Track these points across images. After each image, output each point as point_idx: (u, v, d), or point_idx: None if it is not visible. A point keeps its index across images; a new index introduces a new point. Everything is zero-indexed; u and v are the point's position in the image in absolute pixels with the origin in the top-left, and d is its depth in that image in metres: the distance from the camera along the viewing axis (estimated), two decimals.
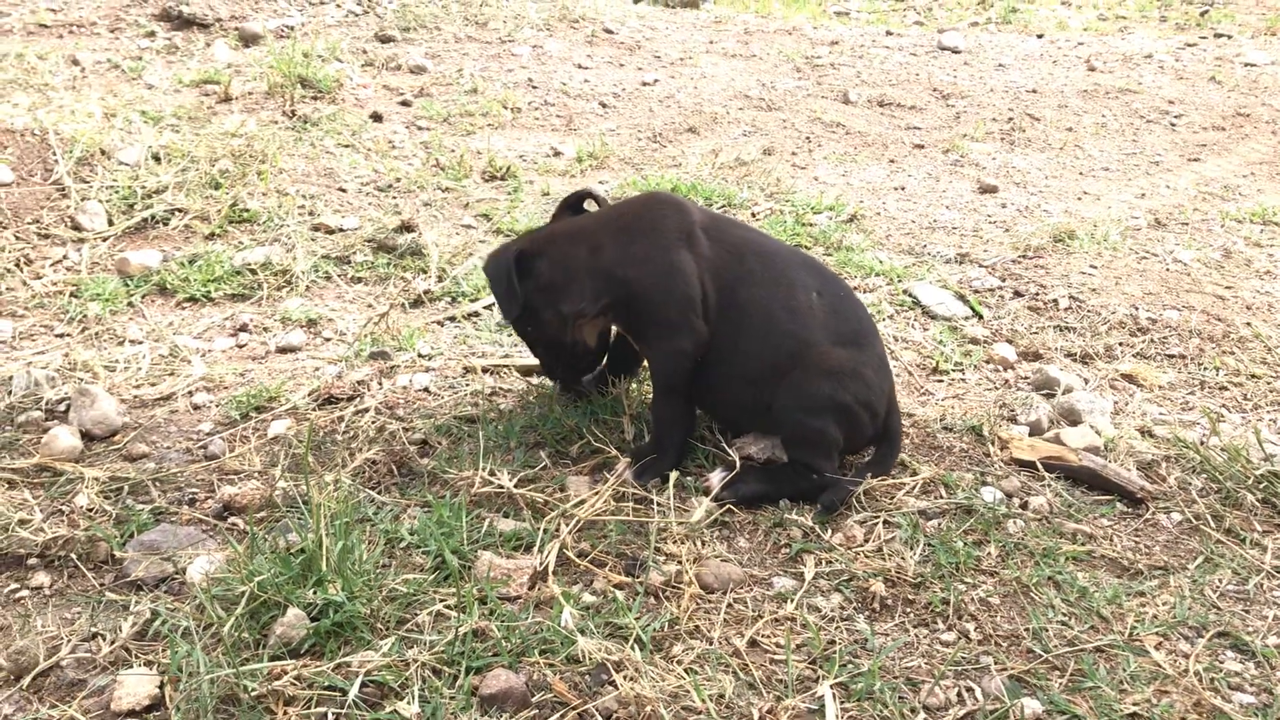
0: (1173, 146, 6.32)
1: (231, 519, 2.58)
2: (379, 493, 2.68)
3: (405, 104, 6.09)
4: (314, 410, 3.06)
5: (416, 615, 2.22)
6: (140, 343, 3.44)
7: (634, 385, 3.13)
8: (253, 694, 1.98)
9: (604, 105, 6.38)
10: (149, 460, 2.83)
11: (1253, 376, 3.50)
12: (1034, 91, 7.21)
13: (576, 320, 2.85)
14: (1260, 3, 11.74)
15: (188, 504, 2.65)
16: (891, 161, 5.75)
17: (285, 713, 1.97)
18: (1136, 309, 3.89)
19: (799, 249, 2.98)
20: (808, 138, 6.05)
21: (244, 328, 3.58)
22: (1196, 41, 9.00)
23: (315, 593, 2.20)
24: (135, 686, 2.02)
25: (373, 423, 2.98)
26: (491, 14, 7.73)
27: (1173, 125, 6.69)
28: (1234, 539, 2.66)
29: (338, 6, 7.71)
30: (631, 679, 2.06)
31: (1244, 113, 6.92)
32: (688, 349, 2.75)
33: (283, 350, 3.46)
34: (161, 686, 2.03)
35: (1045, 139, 6.30)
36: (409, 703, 1.99)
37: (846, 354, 2.74)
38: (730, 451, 2.78)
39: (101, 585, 2.34)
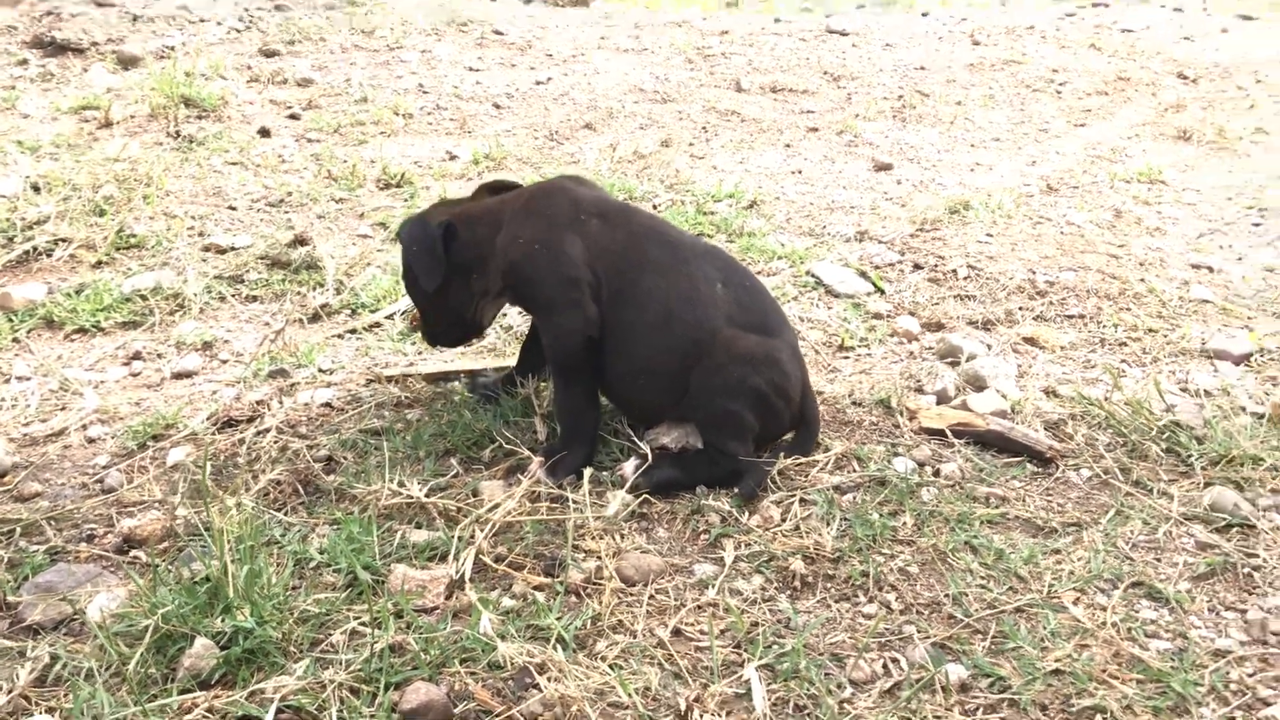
0: (1059, 113, 6.45)
1: (133, 552, 2.48)
2: (285, 513, 2.60)
3: (294, 117, 5.97)
4: (213, 434, 2.97)
5: (330, 635, 2.16)
6: (28, 379, 3.30)
7: (544, 385, 3.09)
8: None
9: (498, 106, 6.32)
10: (42, 499, 2.71)
11: (1149, 331, 3.58)
12: (922, 68, 7.31)
13: (480, 298, 2.85)
14: None
15: (86, 540, 2.55)
16: (787, 146, 5.79)
17: None
18: (1034, 273, 3.96)
19: (703, 239, 2.98)
20: (704, 127, 6.06)
21: (137, 355, 3.46)
22: (1075, 11, 9.22)
23: (223, 620, 2.12)
24: None
25: (275, 442, 2.90)
26: (378, 22, 7.61)
27: (1058, 93, 6.83)
28: (1142, 490, 2.71)
29: (218, 24, 7.53)
30: (555, 680, 2.03)
31: (1124, 77, 7.10)
32: (574, 327, 2.74)
33: (179, 376, 3.36)
34: None
35: (936, 114, 6.39)
36: None
37: (758, 340, 2.74)
38: (642, 444, 2.75)
39: None
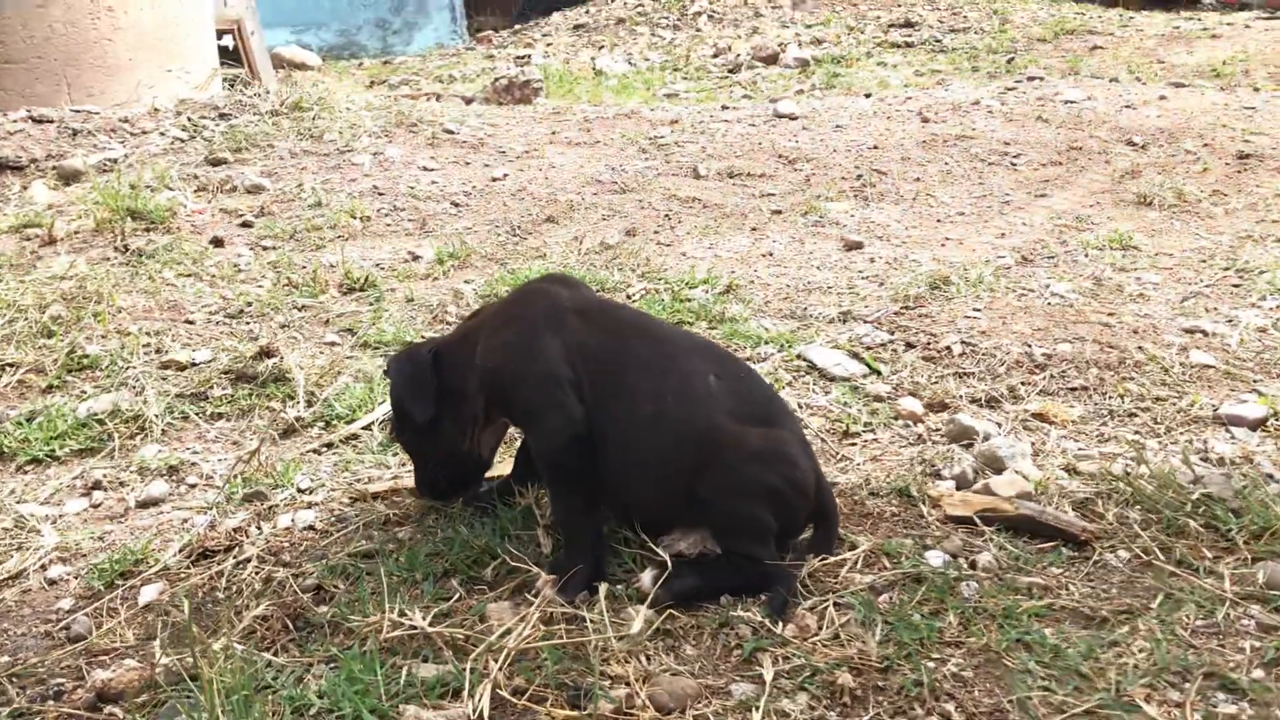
0: (1018, 185, 6.45)
1: (108, 709, 2.23)
2: (275, 653, 2.37)
3: (246, 225, 5.78)
4: (188, 568, 2.74)
5: None
6: None
7: (544, 493, 2.89)
8: None
9: (456, 205, 6.19)
10: (1, 653, 2.46)
11: (1157, 400, 3.47)
12: (875, 148, 7.32)
13: (475, 427, 2.69)
14: (1057, 48, 12.40)
15: (54, 698, 2.29)
16: (754, 230, 5.70)
17: None
18: (1030, 346, 3.86)
19: (689, 332, 2.84)
20: (666, 215, 5.97)
21: (97, 485, 3.22)
22: (1015, 86, 9.34)
23: None
24: None
25: (257, 573, 2.67)
26: (325, 126, 7.48)
27: (1013, 165, 6.85)
28: (1188, 570, 2.56)
29: (161, 134, 7.36)
30: None
31: (1076, 146, 7.15)
32: (559, 428, 2.58)
33: (144, 505, 3.12)
34: None
35: (897, 191, 6.37)
36: None
37: (765, 433, 2.58)
38: (659, 550, 2.56)
39: None
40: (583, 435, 2.58)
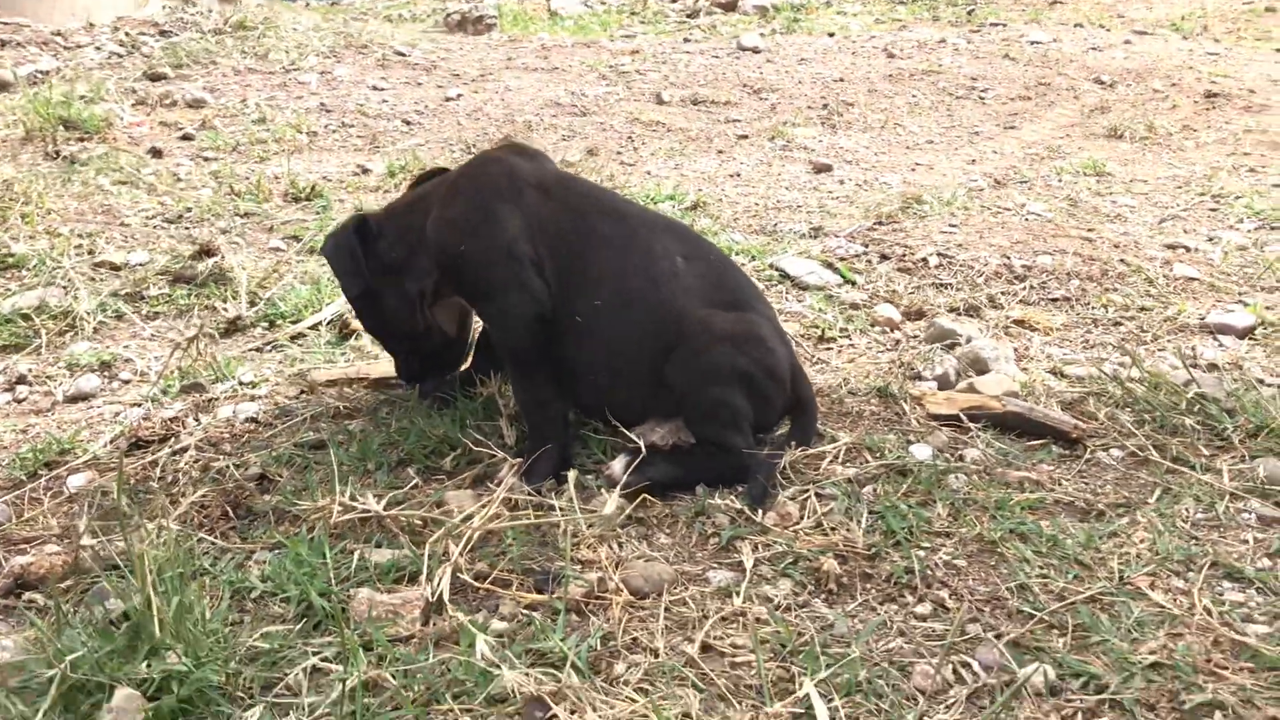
0: (987, 118, 6.33)
1: (27, 595, 2.03)
2: (215, 539, 2.18)
3: (187, 138, 5.50)
4: (119, 458, 2.53)
5: (286, 675, 1.74)
6: None
7: (507, 384, 2.71)
8: None
9: (408, 123, 5.94)
10: None
11: (1142, 309, 3.36)
12: (841, 80, 7.16)
13: (423, 301, 2.48)
14: (1017, 1, 12.26)
15: None
16: (720, 152, 5.52)
17: None
18: (1009, 258, 3.73)
19: (656, 211, 2.62)
20: (629, 137, 5.77)
21: (21, 380, 2.99)
22: (979, 29, 9.21)
23: (149, 665, 1.70)
24: None
25: (195, 462, 2.47)
26: (271, 44, 7.18)
27: (982, 99, 6.72)
28: (1185, 466, 2.44)
29: (97, 49, 7.02)
30: (574, 711, 1.65)
31: (1045, 83, 7.04)
32: (521, 309, 2.38)
33: (73, 399, 2.89)
34: None
35: (864, 121, 6.21)
36: None
37: (735, 316, 2.42)
38: (632, 437, 2.39)
39: None
40: (546, 316, 2.40)
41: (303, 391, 2.81)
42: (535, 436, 2.42)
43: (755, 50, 8.01)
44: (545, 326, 2.41)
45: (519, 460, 2.36)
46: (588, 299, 2.41)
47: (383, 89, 6.55)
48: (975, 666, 1.82)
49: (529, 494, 2.28)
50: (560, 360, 2.46)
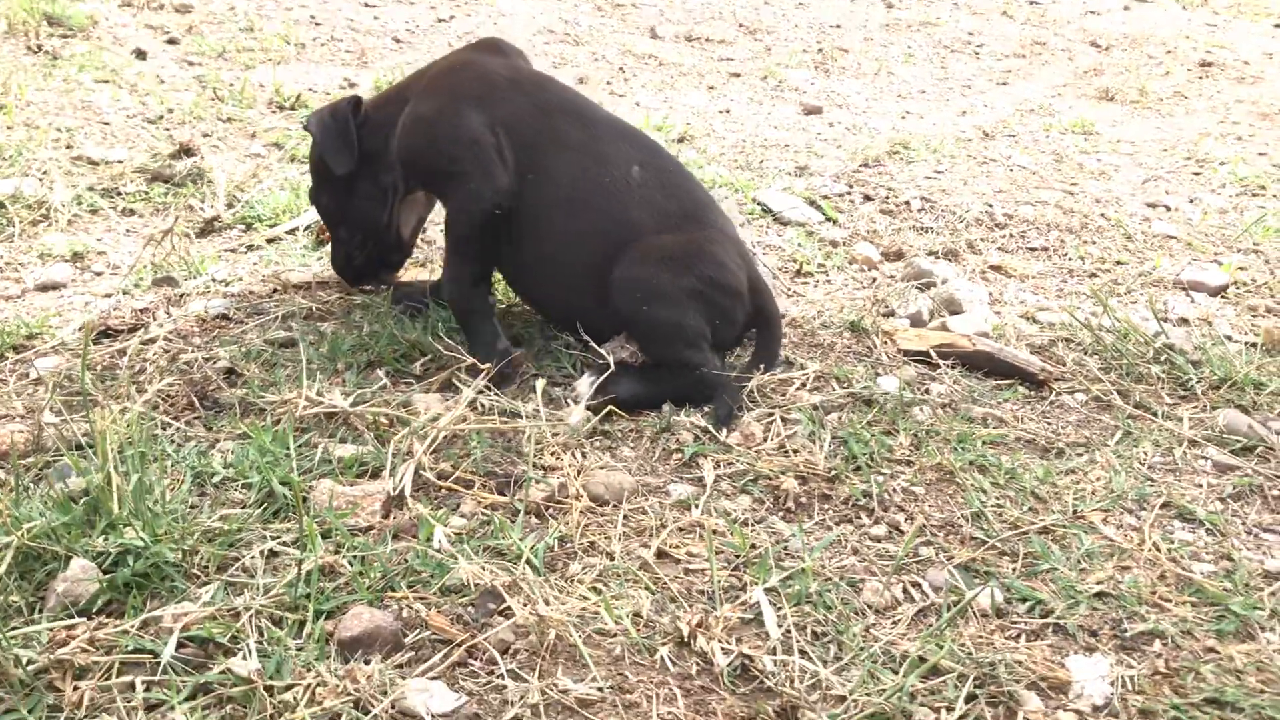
0: (980, 73, 6.29)
1: None
2: (180, 426, 2.18)
3: (172, 41, 5.40)
4: (88, 344, 2.51)
5: (243, 557, 1.76)
6: None
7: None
8: (30, 667, 1.49)
9: (398, 40, 5.86)
10: None
11: (1118, 263, 3.37)
12: (838, 26, 7.10)
13: (395, 194, 2.50)
14: None
15: None
16: (711, 88, 5.48)
17: (75, 687, 1.48)
18: (990, 206, 3.73)
19: (621, 118, 2.60)
20: (620, 68, 5.72)
21: None
22: None
23: (106, 539, 1.71)
24: None
25: (164, 352, 2.46)
26: None
27: (976, 54, 6.68)
28: (1147, 413, 2.47)
29: None
30: (527, 603, 1.67)
31: (1040, 42, 7.00)
32: (482, 194, 2.40)
33: (43, 288, 2.87)
34: None
35: (858, 67, 6.17)
36: (244, 657, 1.53)
37: (682, 236, 2.40)
38: (602, 352, 2.39)
39: None
40: (504, 206, 2.41)
41: (275, 290, 2.80)
42: (467, 328, 2.49)
43: None
44: (497, 219, 2.42)
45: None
46: (544, 198, 2.42)
47: (375, 6, 6.45)
48: (925, 586, 1.85)
49: (498, 401, 2.29)
50: (515, 255, 2.47)
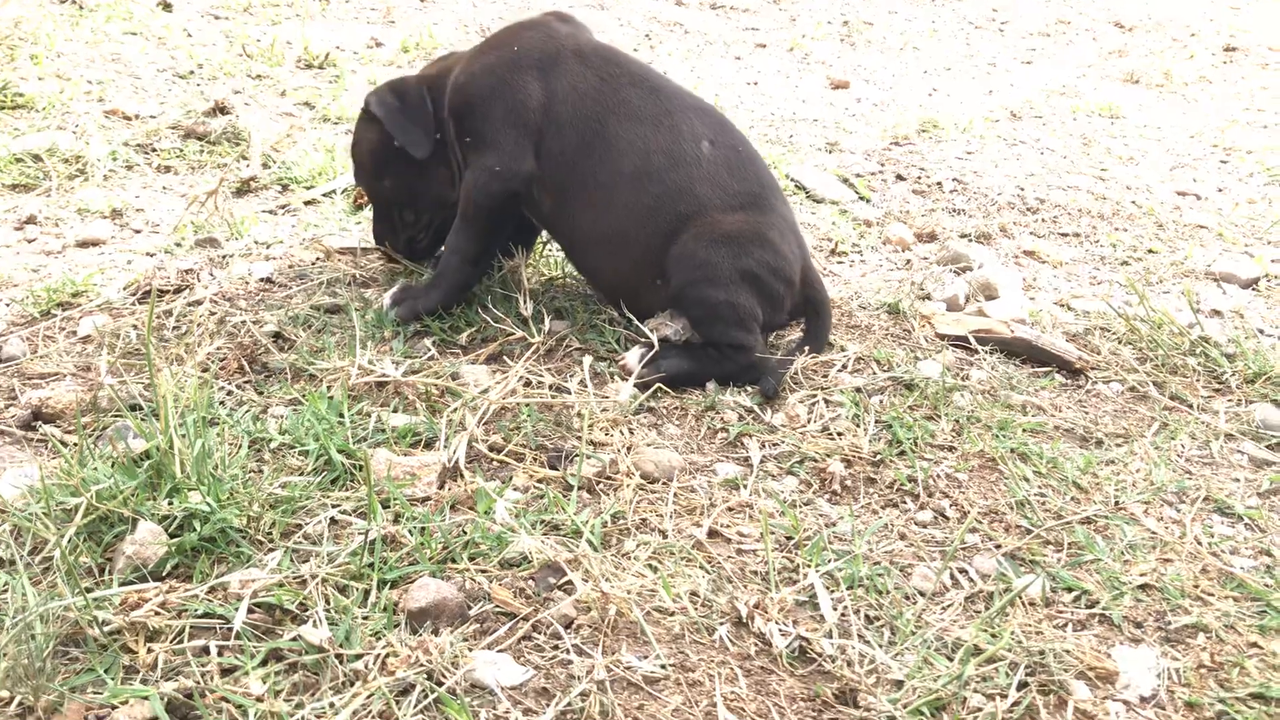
0: (1005, 50, 6.28)
1: (44, 427, 2.05)
2: (231, 391, 2.20)
3: None
4: (133, 305, 2.53)
5: (305, 524, 1.78)
6: None
7: (531, 263, 2.72)
8: (105, 629, 1.52)
9: (424, 0, 5.83)
10: None
11: (1150, 251, 3.39)
12: None
13: (459, 169, 2.51)
14: None
15: None
16: (738, 59, 5.47)
17: (149, 649, 1.51)
18: (1022, 190, 3.74)
19: (695, 94, 2.60)
20: (647, 35, 5.70)
21: (31, 220, 2.97)
22: None
23: (171, 503, 1.73)
24: None
25: (210, 314, 2.48)
26: None
27: (1001, 31, 6.67)
28: (1183, 405, 2.50)
29: None
30: (588, 578, 1.70)
31: (1064, 21, 6.98)
32: (504, 174, 2.42)
33: (84, 244, 2.88)
34: None
35: (883, 41, 6.16)
36: (314, 625, 1.56)
37: (744, 217, 2.40)
38: (646, 330, 2.41)
39: None
40: (516, 192, 2.44)
41: (318, 257, 2.81)
42: (440, 276, 2.52)
43: None
44: (512, 200, 2.46)
45: (401, 292, 2.49)
46: (610, 168, 2.41)
47: None
48: (972, 573, 1.88)
49: (397, 320, 2.46)
50: (574, 225, 2.48)
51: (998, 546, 1.93)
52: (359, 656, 1.52)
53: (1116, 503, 2.09)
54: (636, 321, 2.45)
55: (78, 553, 1.65)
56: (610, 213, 2.42)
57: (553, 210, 2.48)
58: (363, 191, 2.68)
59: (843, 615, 1.72)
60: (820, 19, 6.47)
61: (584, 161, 2.40)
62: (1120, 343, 2.76)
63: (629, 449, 2.10)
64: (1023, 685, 1.61)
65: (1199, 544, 1.98)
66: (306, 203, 3.21)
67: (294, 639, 1.54)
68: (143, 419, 1.99)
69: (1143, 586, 1.86)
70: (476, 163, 2.46)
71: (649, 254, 2.40)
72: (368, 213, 3.16)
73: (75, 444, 1.87)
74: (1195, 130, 4.95)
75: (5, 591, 1.57)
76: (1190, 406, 2.49)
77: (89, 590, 1.56)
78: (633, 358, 2.36)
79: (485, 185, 2.43)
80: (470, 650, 1.55)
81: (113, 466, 1.80)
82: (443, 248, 2.60)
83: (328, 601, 1.62)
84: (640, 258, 2.42)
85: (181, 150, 3.48)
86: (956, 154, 4.08)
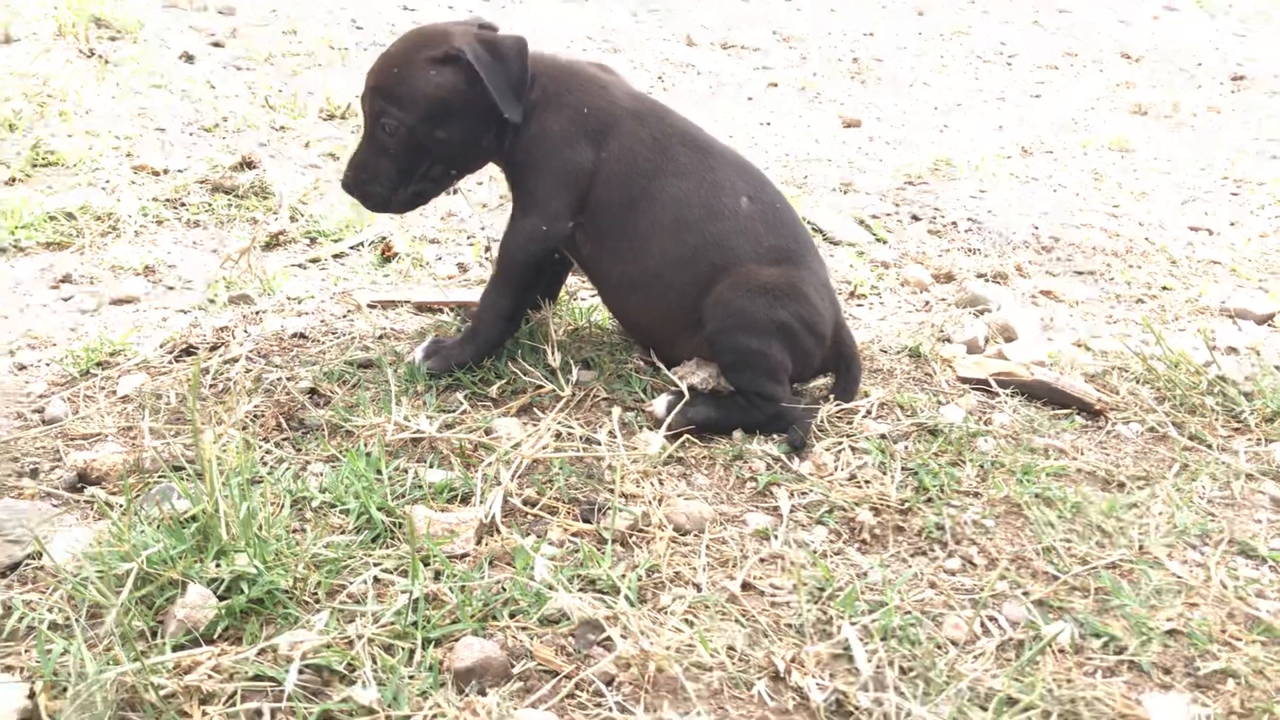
0: (1013, 84, 6.34)
1: (89, 490, 2.10)
2: (270, 449, 2.25)
3: (218, 45, 5.48)
4: (170, 363, 2.59)
5: (350, 584, 1.83)
6: None
7: (556, 313, 2.77)
8: (161, 694, 1.56)
9: None
10: None
11: (1164, 289, 3.43)
12: (870, 34, 7.15)
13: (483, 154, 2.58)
14: None
15: (29, 476, 2.16)
16: (750, 99, 5.54)
17: (204, 713, 1.56)
18: (1037, 229, 3.79)
19: (736, 151, 2.65)
20: (660, 76, 5.78)
21: (67, 279, 3.04)
22: None
23: (219, 565, 1.78)
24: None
25: (247, 372, 2.53)
26: None
27: (1009, 64, 6.73)
28: (1202, 445, 2.53)
29: None
30: (625, 636, 1.74)
31: (1071, 53, 7.05)
32: (543, 228, 2.48)
33: (118, 302, 2.95)
34: (33, 695, 1.58)
35: (894, 77, 6.22)
36: (363, 686, 1.60)
37: (780, 271, 2.46)
38: (675, 379, 2.46)
39: None
40: (556, 248, 2.52)
41: (349, 311, 2.87)
42: (475, 331, 2.57)
43: None
44: (546, 257, 2.54)
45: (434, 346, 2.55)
46: (650, 220, 2.46)
47: (413, 10, 6.52)
48: (1002, 621, 1.91)
49: (429, 373, 2.51)
50: (612, 272, 2.54)
51: (1026, 594, 1.97)
52: (407, 718, 1.56)
53: (1141, 547, 2.12)
54: (664, 369, 2.50)
55: (130, 616, 1.70)
56: (647, 259, 2.48)
57: (591, 254, 2.54)
58: (381, 127, 2.48)
59: (877, 667, 1.75)
60: (830, 55, 6.55)
61: (628, 214, 2.47)
62: (1138, 382, 2.80)
63: (660, 500, 2.14)
64: None
65: (1224, 587, 2.01)
66: (335, 256, 3.27)
67: (344, 700, 1.58)
68: (185, 479, 2.04)
69: (1170, 632, 1.89)
70: (520, 220, 2.52)
71: (684, 300, 2.46)
72: (395, 265, 3.22)
73: (124, 508, 1.92)
74: (1205, 162, 5.00)
75: (65, 655, 1.62)
76: (1210, 446, 2.53)
77: (144, 655, 1.61)
78: (660, 406, 2.40)
79: (525, 245, 2.49)
80: (516, 710, 1.59)
81: (159, 529, 1.85)
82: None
83: (374, 661, 1.66)
84: (674, 304, 2.48)
85: (210, 205, 3.55)
86: (970, 193, 4.13)
